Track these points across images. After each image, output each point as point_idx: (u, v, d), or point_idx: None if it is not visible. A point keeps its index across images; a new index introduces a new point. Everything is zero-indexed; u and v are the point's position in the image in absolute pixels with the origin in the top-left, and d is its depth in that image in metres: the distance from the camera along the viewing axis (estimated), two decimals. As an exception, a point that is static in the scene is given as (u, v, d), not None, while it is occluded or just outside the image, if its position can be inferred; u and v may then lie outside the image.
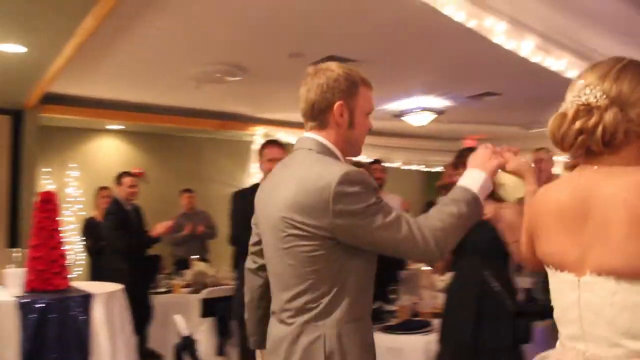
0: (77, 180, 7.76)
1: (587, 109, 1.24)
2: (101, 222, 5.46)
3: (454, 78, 5.77)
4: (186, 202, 7.03)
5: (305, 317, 1.58)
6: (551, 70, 4.24)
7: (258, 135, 7.77)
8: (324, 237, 1.53)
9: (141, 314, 4.54)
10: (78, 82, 5.73)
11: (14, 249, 3.68)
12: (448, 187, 4.53)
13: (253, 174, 7.54)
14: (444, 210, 1.57)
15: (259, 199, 1.86)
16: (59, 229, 3.41)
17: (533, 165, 4.00)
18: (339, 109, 1.64)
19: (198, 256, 6.02)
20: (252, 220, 1.94)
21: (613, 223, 1.18)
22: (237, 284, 3.83)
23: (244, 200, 3.65)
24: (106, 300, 3.27)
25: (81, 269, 6.96)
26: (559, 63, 3.71)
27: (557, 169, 4.29)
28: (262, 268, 1.84)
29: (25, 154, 6.17)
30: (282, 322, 1.65)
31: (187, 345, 3.32)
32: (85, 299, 3.18)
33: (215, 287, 5.12)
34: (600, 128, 1.21)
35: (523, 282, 3.70)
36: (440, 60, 5.15)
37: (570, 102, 1.28)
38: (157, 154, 8.31)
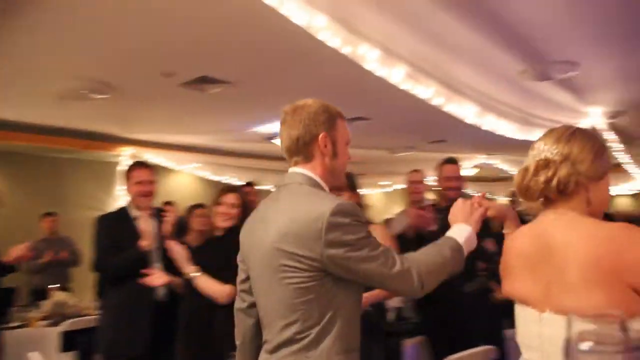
0: None
1: (545, 164, 1.52)
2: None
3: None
4: (47, 226, 6.67)
5: (295, 347, 1.59)
6: (417, 98, 4.51)
7: (125, 157, 7.53)
8: (315, 269, 1.56)
9: (-10, 352, 4.12)
10: None
11: None
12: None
13: (119, 197, 7.27)
14: (430, 251, 1.67)
15: (245, 234, 1.84)
16: None
17: (415, 188, 4.19)
18: (324, 140, 1.72)
19: (58, 285, 5.62)
20: (238, 258, 1.90)
21: (569, 268, 1.41)
22: (101, 314, 3.59)
23: (109, 225, 3.48)
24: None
25: None
26: (427, 91, 3.96)
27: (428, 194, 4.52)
28: (252, 306, 1.83)
29: None
30: (270, 352, 1.65)
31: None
32: None
33: (76, 319, 4.76)
34: (556, 179, 1.50)
35: (393, 301, 3.82)
36: (313, 84, 5.26)
37: (531, 158, 1.57)
38: (15, 175, 7.70)
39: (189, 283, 2.99)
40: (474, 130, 5.54)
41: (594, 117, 6.68)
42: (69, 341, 4.55)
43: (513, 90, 5.32)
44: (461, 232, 1.75)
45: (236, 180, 8.42)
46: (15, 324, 4.84)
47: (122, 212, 3.57)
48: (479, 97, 5.10)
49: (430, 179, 4.54)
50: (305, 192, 1.67)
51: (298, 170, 1.73)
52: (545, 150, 1.54)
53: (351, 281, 1.61)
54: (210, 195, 3.49)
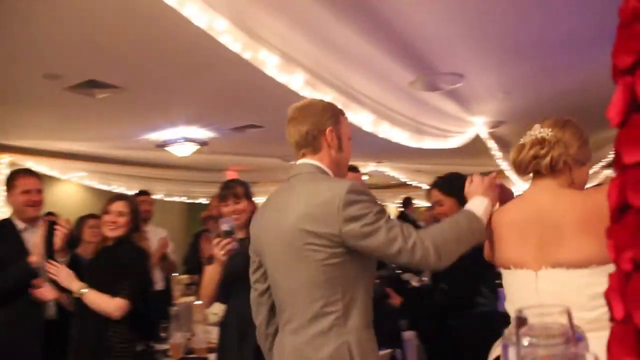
0: None
1: (540, 142, 1.74)
2: None
3: (219, 109, 5.83)
4: None
5: (324, 324, 1.68)
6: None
7: (3, 165, 6.99)
8: (337, 244, 1.68)
9: None
10: None
11: None
12: (215, 218, 4.48)
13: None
14: (445, 224, 1.79)
15: (259, 222, 1.93)
16: None
17: None
18: (330, 134, 1.87)
19: None
20: (250, 248, 2.00)
21: (562, 225, 1.62)
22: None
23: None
24: None
25: None
26: (325, 98, 3.98)
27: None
28: (264, 292, 1.95)
29: None
30: (296, 332, 1.73)
31: None
32: None
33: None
34: (549, 157, 1.71)
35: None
36: (206, 91, 5.15)
37: (528, 136, 1.77)
38: None
39: (78, 300, 2.80)
40: (369, 138, 5.68)
41: (477, 126, 7.10)
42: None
43: (405, 99, 5.52)
44: (478, 203, 1.84)
45: (124, 190, 8.05)
46: None
47: (6, 223, 3.29)
48: (374, 106, 5.24)
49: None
50: (318, 178, 1.82)
51: (307, 161, 1.88)
52: (543, 131, 1.75)
53: (367, 258, 1.74)
54: (98, 205, 3.30)
